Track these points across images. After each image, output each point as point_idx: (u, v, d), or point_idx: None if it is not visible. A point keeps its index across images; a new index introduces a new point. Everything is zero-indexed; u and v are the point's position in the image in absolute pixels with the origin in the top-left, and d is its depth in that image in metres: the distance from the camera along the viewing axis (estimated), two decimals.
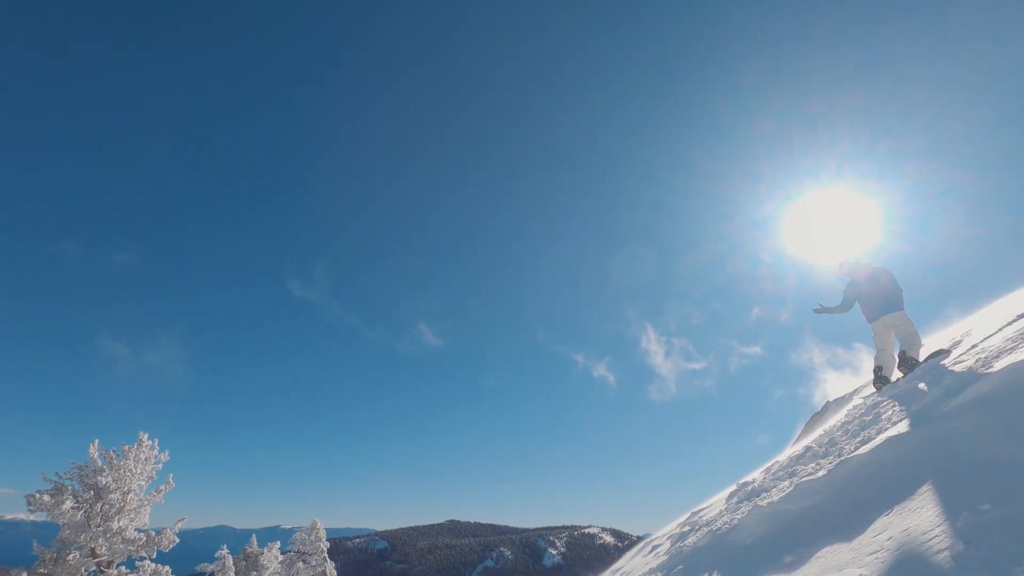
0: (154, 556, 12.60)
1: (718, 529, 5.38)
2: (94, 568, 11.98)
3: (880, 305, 7.28)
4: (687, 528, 7.47)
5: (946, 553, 2.18)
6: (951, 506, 2.48)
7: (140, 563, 12.47)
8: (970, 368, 4.93)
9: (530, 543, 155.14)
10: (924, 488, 2.86)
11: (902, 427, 4.37)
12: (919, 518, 2.59)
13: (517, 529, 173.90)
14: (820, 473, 4.48)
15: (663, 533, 8.99)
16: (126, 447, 12.52)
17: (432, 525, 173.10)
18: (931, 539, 2.35)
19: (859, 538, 2.82)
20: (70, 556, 11.61)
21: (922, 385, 5.60)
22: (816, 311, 7.92)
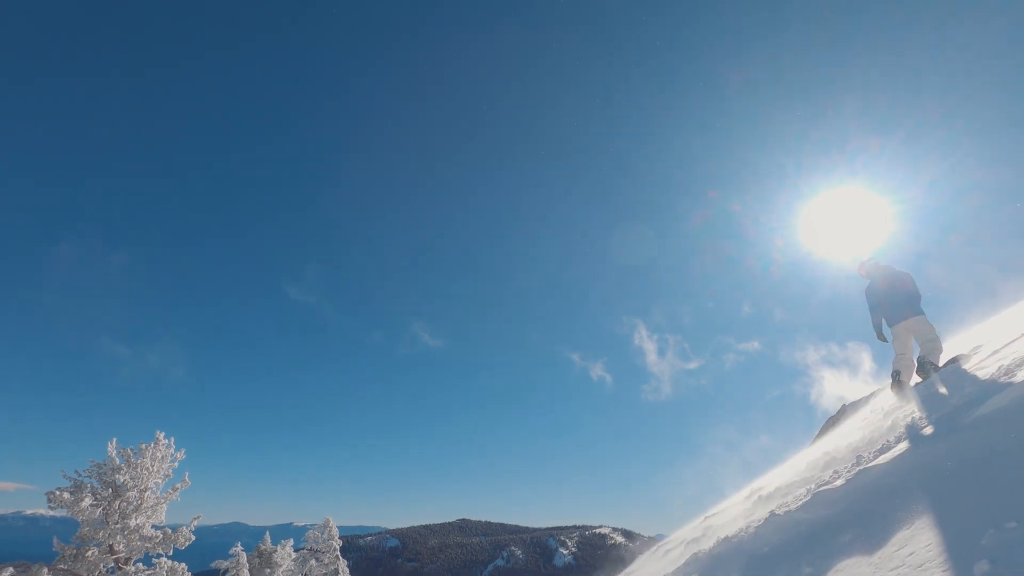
0: (170, 553, 12.78)
1: (733, 536, 5.33)
2: (112, 564, 12.18)
3: (901, 309, 7.16)
4: (700, 534, 7.42)
5: (971, 572, 2.14)
6: (976, 522, 2.43)
7: (157, 560, 12.64)
8: (992, 376, 4.83)
9: (541, 542, 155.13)
10: (947, 502, 2.81)
11: (923, 436, 4.29)
12: (942, 533, 2.54)
13: (528, 528, 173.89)
14: (838, 482, 4.42)
15: (676, 538, 8.94)
16: (143, 446, 12.70)
17: (443, 524, 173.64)
18: (955, 556, 2.30)
19: (880, 552, 2.78)
20: (89, 552, 11.81)
21: (942, 391, 5.50)
22: (880, 338, 7.60)
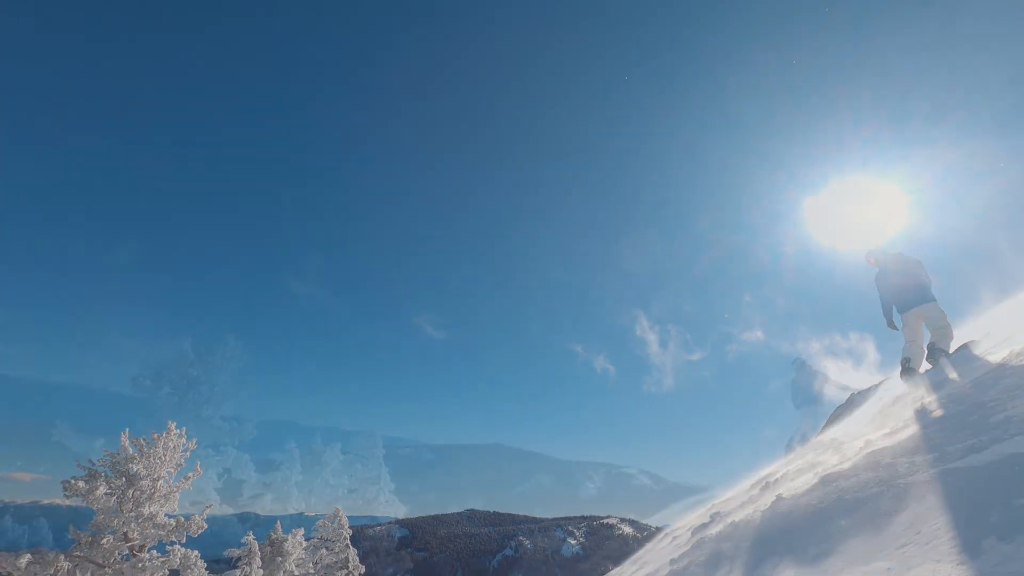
0: (184, 541, 12.98)
1: (740, 520, 5.34)
2: (127, 552, 12.40)
3: (912, 296, 7.09)
4: (707, 519, 7.43)
5: (979, 549, 2.13)
6: (984, 501, 2.43)
7: (171, 547, 12.85)
8: (1003, 361, 4.79)
9: (548, 532, 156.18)
10: (955, 482, 2.80)
11: (931, 419, 4.27)
12: (950, 513, 2.53)
13: (535, 519, 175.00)
14: (845, 465, 4.41)
15: (683, 524, 8.96)
16: (155, 435, 12.89)
17: (451, 514, 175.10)
18: (963, 534, 2.30)
19: (887, 531, 2.78)
20: (104, 540, 12.03)
21: (953, 376, 5.47)
22: (890, 326, 7.54)
